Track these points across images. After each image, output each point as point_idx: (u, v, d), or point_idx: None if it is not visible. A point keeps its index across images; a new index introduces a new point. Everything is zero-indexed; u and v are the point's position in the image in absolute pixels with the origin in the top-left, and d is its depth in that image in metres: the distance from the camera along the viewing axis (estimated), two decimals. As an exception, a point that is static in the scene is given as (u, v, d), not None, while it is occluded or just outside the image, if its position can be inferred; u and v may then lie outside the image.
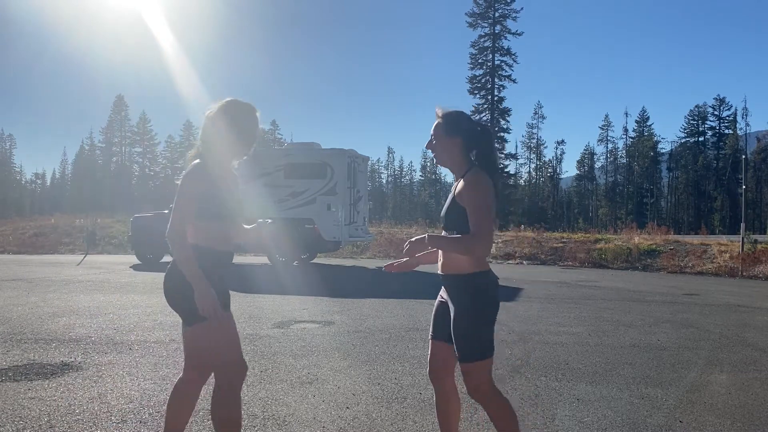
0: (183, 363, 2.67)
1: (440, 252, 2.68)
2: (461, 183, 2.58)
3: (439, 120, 2.68)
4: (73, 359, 5.14)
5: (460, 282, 2.61)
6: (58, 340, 5.92)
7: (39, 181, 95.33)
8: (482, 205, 2.49)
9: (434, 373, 2.83)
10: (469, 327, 2.57)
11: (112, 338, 6.07)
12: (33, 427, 3.51)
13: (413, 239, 2.67)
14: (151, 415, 3.74)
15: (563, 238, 19.76)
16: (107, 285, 10.70)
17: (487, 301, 2.62)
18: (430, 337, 2.83)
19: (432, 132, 2.70)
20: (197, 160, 2.64)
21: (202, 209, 2.59)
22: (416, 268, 2.96)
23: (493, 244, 19.11)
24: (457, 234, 2.57)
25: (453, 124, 2.65)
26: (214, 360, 2.61)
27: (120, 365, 4.98)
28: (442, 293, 2.76)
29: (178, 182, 2.64)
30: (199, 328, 2.55)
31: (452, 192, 2.66)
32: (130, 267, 14.44)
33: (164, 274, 2.69)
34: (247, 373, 2.79)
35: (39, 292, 9.59)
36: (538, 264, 16.99)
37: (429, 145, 2.72)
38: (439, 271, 2.72)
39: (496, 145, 55.08)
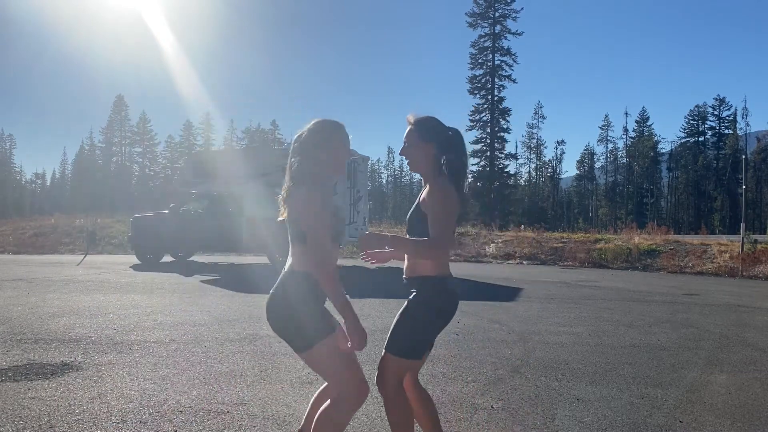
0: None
1: (406, 257, 2.70)
2: (426, 190, 2.62)
3: (412, 126, 2.70)
4: (73, 359, 5.14)
5: (419, 282, 2.63)
6: (58, 340, 5.92)
7: (39, 181, 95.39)
8: (442, 214, 2.53)
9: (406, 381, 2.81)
10: (407, 321, 2.62)
11: (112, 338, 6.07)
12: (33, 427, 3.50)
13: (372, 233, 2.66)
14: (151, 415, 3.74)
15: (563, 238, 19.77)
16: (107, 285, 10.70)
17: (436, 305, 2.62)
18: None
19: (405, 139, 2.71)
20: (305, 187, 2.54)
21: None
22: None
23: (493, 244, 19.16)
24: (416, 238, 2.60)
25: (427, 130, 2.68)
26: (336, 378, 2.56)
27: (120, 365, 4.98)
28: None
29: (295, 210, 2.56)
30: (314, 353, 2.48)
31: (418, 197, 2.70)
32: (130, 267, 14.44)
33: (267, 301, 2.55)
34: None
35: (39, 292, 9.59)
36: (538, 264, 17.00)
37: (403, 152, 2.74)
38: (404, 275, 2.73)
39: (496, 144, 54.25)
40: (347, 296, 2.45)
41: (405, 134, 2.72)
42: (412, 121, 2.72)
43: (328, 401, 2.56)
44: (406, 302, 2.66)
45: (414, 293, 2.64)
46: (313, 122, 2.64)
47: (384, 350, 2.68)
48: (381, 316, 7.62)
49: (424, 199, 2.61)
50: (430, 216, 2.54)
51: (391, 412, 2.70)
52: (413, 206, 2.71)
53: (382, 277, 13.83)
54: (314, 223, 2.45)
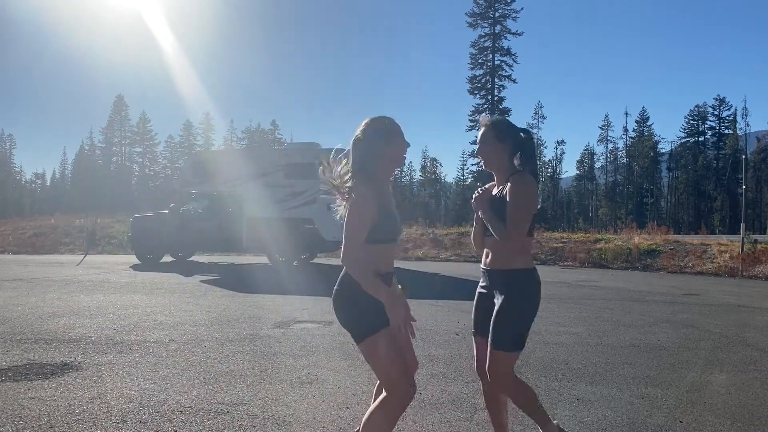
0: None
1: (490, 248, 2.87)
2: (510, 182, 2.78)
3: (487, 128, 2.90)
4: (73, 359, 5.14)
5: (509, 276, 2.79)
6: (58, 340, 5.92)
7: (39, 181, 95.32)
8: (521, 205, 2.74)
9: (481, 369, 2.92)
10: (508, 317, 2.76)
11: (112, 338, 6.07)
12: (33, 427, 3.50)
13: (487, 198, 2.84)
14: (151, 415, 3.74)
15: (563, 238, 19.77)
16: (107, 285, 10.70)
17: (530, 296, 2.81)
18: (472, 334, 2.97)
19: (480, 140, 2.92)
20: (360, 184, 2.54)
21: (372, 232, 2.52)
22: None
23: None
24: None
25: (502, 130, 2.88)
26: (384, 374, 2.54)
27: (120, 365, 4.98)
28: (484, 287, 2.92)
29: (346, 209, 2.57)
30: (366, 345, 2.52)
31: (498, 193, 2.85)
32: (130, 267, 14.44)
33: (333, 295, 2.62)
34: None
35: (39, 292, 9.59)
36: (538, 264, 16.96)
37: (479, 152, 2.92)
38: (487, 266, 2.89)
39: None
40: (378, 280, 2.47)
41: (480, 135, 2.92)
42: (487, 123, 2.92)
43: (379, 399, 2.58)
44: (498, 299, 2.79)
45: (508, 287, 2.77)
46: (369, 120, 2.65)
47: (493, 350, 2.77)
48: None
49: (508, 191, 2.78)
50: (510, 208, 2.74)
51: (520, 401, 2.88)
52: (496, 198, 2.85)
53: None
54: (348, 217, 2.51)
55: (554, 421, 2.93)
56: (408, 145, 2.68)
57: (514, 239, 2.74)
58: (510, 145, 2.87)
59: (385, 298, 2.44)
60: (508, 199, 2.75)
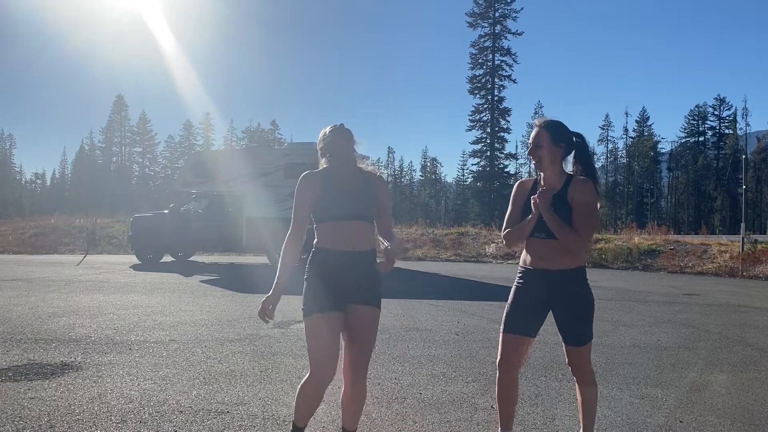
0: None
1: (539, 247, 2.90)
2: (576, 188, 2.86)
3: (542, 129, 2.94)
4: (73, 359, 5.14)
5: (576, 275, 2.90)
6: (58, 340, 5.92)
7: (39, 181, 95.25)
8: (592, 211, 2.85)
9: (508, 365, 3.00)
10: (588, 311, 2.93)
11: (112, 338, 6.07)
12: (33, 427, 3.50)
13: (546, 191, 2.85)
14: (151, 415, 3.74)
15: (563, 238, 19.75)
16: (107, 285, 10.70)
17: (590, 289, 2.96)
18: (504, 330, 2.98)
19: (534, 140, 2.95)
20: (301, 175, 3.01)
21: (319, 212, 2.93)
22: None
23: (493, 244, 19.15)
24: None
25: (557, 133, 2.94)
26: (308, 353, 2.82)
27: (120, 365, 4.98)
28: (528, 288, 2.94)
29: None
30: (304, 323, 2.85)
31: (561, 191, 2.88)
32: (130, 267, 14.44)
33: None
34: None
35: (39, 292, 9.59)
36: (538, 264, 16.99)
37: (532, 153, 2.96)
38: (535, 266, 2.92)
39: (496, 144, 54.45)
40: (284, 267, 2.97)
41: (533, 135, 2.96)
42: (542, 124, 2.97)
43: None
44: (568, 300, 2.89)
45: (577, 286, 2.89)
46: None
47: (580, 345, 2.93)
48: (381, 316, 7.62)
49: (572, 195, 2.84)
50: (580, 211, 2.81)
51: (595, 391, 3.05)
52: (550, 197, 2.86)
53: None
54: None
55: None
56: (346, 140, 2.94)
57: (582, 244, 2.84)
58: (563, 147, 2.93)
59: (275, 283, 2.84)
60: (578, 205, 2.81)
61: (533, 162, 2.99)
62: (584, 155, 2.98)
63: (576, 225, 2.79)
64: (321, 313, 2.77)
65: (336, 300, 2.82)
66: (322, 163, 3.00)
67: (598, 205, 2.91)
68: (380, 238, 2.89)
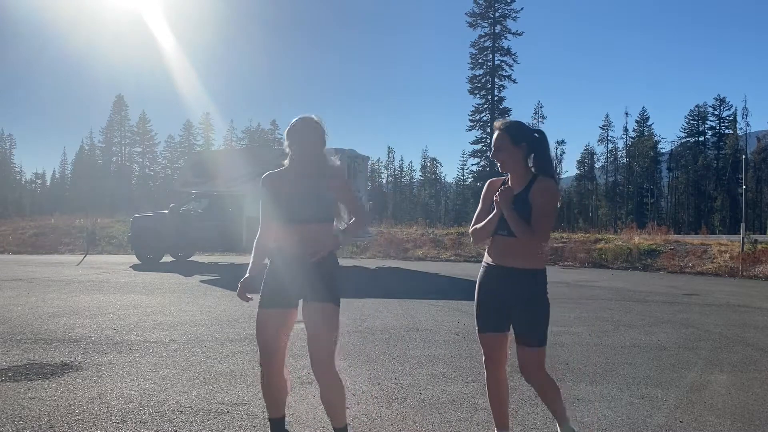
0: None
1: (502, 244, 2.93)
2: (536, 187, 2.88)
3: (502, 131, 2.97)
4: (73, 359, 5.14)
5: (531, 276, 2.90)
6: (58, 340, 5.92)
7: (39, 181, 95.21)
8: (549, 213, 2.86)
9: (496, 363, 3.02)
10: (541, 317, 2.91)
11: (112, 338, 6.07)
12: (33, 427, 3.50)
13: (510, 195, 2.87)
14: (151, 415, 3.74)
15: (563, 238, 19.76)
16: (107, 285, 10.70)
17: (547, 294, 2.95)
18: (479, 331, 3.02)
19: (495, 143, 2.99)
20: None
21: (271, 214, 3.04)
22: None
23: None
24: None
25: (517, 133, 2.96)
26: (259, 338, 2.98)
27: (120, 365, 4.98)
28: (490, 285, 2.97)
29: None
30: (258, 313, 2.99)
31: (516, 194, 2.89)
32: (130, 267, 14.43)
33: None
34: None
35: (39, 292, 9.59)
36: (538, 264, 16.98)
37: (495, 156, 3.00)
38: (497, 263, 2.94)
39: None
40: (256, 254, 3.07)
41: (494, 139, 3.00)
42: (501, 126, 3.00)
43: None
44: (524, 300, 2.88)
45: (532, 287, 2.89)
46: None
47: (531, 347, 2.90)
48: (381, 316, 7.63)
49: (533, 196, 2.86)
50: (537, 211, 2.84)
51: (551, 395, 3.00)
52: (516, 199, 2.89)
53: (381, 277, 13.83)
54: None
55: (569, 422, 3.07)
56: (304, 136, 3.03)
57: (537, 241, 2.86)
58: (524, 147, 2.95)
59: (249, 267, 3.02)
60: (535, 205, 2.84)
61: (498, 165, 3.02)
62: (542, 153, 2.99)
63: (532, 224, 2.82)
64: (263, 309, 2.95)
65: (286, 297, 2.93)
66: (285, 162, 3.13)
67: (556, 204, 2.92)
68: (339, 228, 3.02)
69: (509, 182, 3.01)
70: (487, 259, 3.03)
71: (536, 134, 3.00)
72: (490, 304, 2.98)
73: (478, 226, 3.00)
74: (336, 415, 3.01)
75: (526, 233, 2.81)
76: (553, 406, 3.03)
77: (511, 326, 2.97)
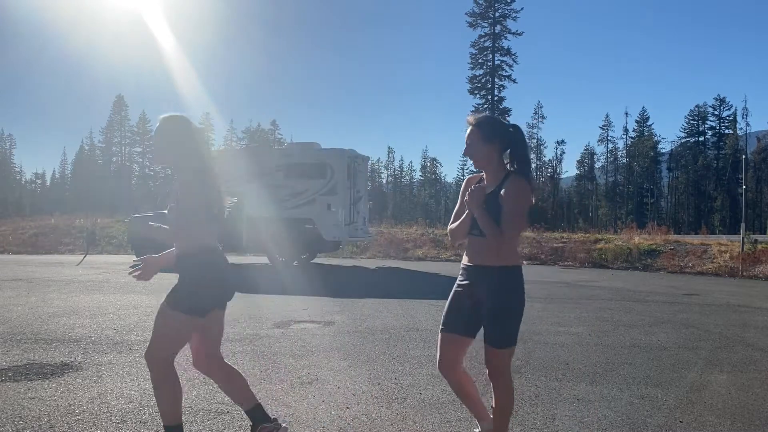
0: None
1: (476, 244, 2.86)
2: (507, 185, 2.76)
3: (474, 127, 2.84)
4: (73, 359, 5.14)
5: (500, 273, 2.79)
6: (58, 340, 5.92)
7: (39, 181, 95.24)
8: (518, 212, 2.73)
9: (447, 364, 2.93)
10: (506, 317, 2.78)
11: (112, 338, 6.06)
12: (33, 427, 3.50)
13: (482, 193, 2.78)
14: (151, 415, 3.73)
15: (563, 238, 19.77)
16: (107, 285, 10.70)
17: (521, 293, 2.83)
18: (442, 330, 2.94)
19: (467, 140, 2.86)
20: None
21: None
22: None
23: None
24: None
25: (489, 130, 2.83)
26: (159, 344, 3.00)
27: (120, 365, 4.98)
28: (464, 286, 2.89)
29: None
30: (177, 318, 3.03)
31: (489, 192, 2.80)
32: (130, 267, 14.40)
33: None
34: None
35: (39, 292, 9.59)
36: (538, 264, 17.00)
37: (466, 152, 2.88)
38: (472, 262, 2.87)
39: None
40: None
41: (466, 135, 2.86)
42: (472, 122, 2.86)
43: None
44: (490, 298, 2.78)
45: (500, 285, 2.78)
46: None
47: (495, 347, 2.80)
48: (381, 316, 7.63)
49: (503, 195, 2.76)
50: (507, 209, 2.73)
51: (509, 400, 2.90)
52: (488, 197, 2.81)
53: (381, 277, 13.83)
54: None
55: None
56: (158, 138, 3.02)
57: (507, 241, 2.75)
58: (497, 143, 2.83)
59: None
60: (504, 203, 2.73)
61: (470, 161, 2.93)
62: (518, 149, 2.86)
63: (501, 224, 2.73)
64: (196, 317, 3.03)
65: None
66: None
67: (528, 203, 2.78)
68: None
69: (485, 180, 2.91)
70: (463, 259, 2.96)
71: (511, 129, 2.87)
72: (460, 303, 2.89)
73: (454, 225, 2.95)
74: (243, 400, 3.08)
75: (494, 233, 2.73)
76: (501, 421, 2.89)
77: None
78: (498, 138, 2.82)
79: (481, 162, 2.86)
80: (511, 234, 2.75)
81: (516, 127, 2.88)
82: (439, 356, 2.94)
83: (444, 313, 2.96)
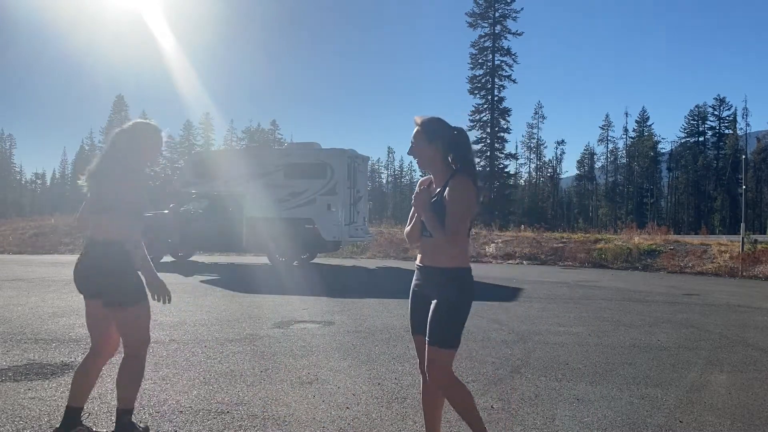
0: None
1: (427, 245, 2.88)
2: (449, 186, 2.78)
3: (418, 128, 2.87)
4: (73, 359, 5.14)
5: (447, 274, 2.81)
6: (58, 340, 5.92)
7: (39, 181, 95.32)
8: (460, 211, 2.74)
9: (424, 367, 2.94)
10: (451, 313, 2.78)
11: (112, 338, 6.06)
12: (33, 427, 3.51)
13: (426, 196, 2.83)
14: (151, 415, 3.74)
15: (563, 238, 19.76)
16: (107, 285, 10.68)
17: (467, 296, 2.83)
18: (412, 332, 3.01)
19: (412, 140, 2.90)
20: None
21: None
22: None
23: (493, 245, 19.15)
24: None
25: (432, 131, 2.85)
26: (144, 335, 3.24)
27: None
28: (418, 286, 2.94)
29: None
30: (140, 308, 3.19)
31: (436, 195, 2.84)
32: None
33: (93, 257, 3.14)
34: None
35: (39, 292, 9.59)
36: (538, 264, 17.00)
37: (410, 152, 2.92)
38: (423, 264, 2.90)
39: (496, 144, 54.11)
40: (147, 256, 3.14)
41: (412, 135, 2.90)
42: (418, 122, 2.89)
43: (124, 356, 3.19)
44: (435, 299, 2.80)
45: (446, 285, 2.79)
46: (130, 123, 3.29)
47: (432, 346, 2.79)
48: (381, 316, 7.63)
49: (446, 195, 2.77)
50: (449, 209, 2.74)
51: (455, 400, 2.89)
52: (433, 197, 2.84)
53: (380, 277, 13.83)
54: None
55: None
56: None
57: (452, 241, 2.75)
58: (439, 144, 2.84)
59: (150, 272, 3.15)
60: (447, 202, 2.75)
61: (416, 161, 2.94)
62: (461, 151, 2.87)
63: (445, 223, 2.74)
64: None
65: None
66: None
67: (471, 201, 2.76)
68: None
69: (433, 181, 2.93)
70: (416, 259, 2.98)
71: (455, 131, 2.87)
72: (417, 306, 2.92)
73: (408, 228, 2.99)
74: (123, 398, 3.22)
75: (440, 234, 2.74)
76: (465, 416, 2.89)
77: None
78: (439, 139, 2.83)
79: (424, 161, 2.89)
80: (455, 232, 2.73)
81: (460, 130, 2.89)
82: (419, 358, 2.98)
83: (409, 315, 3.01)
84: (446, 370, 2.82)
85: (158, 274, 3.25)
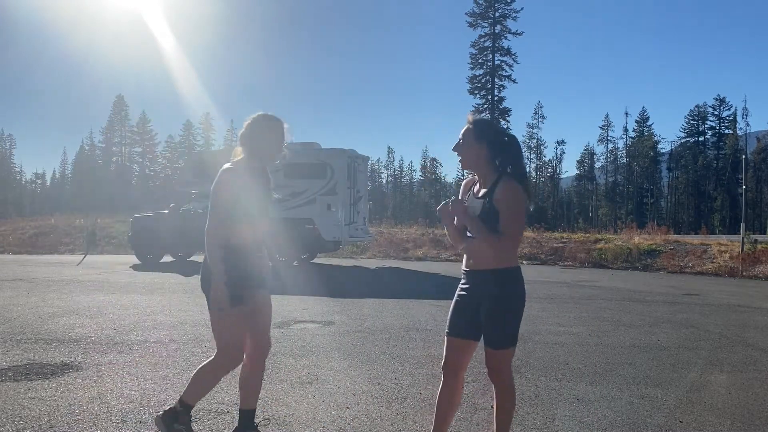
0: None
1: (472, 249, 2.85)
2: (500, 189, 2.76)
3: (469, 126, 2.85)
4: (73, 359, 5.14)
5: (502, 276, 2.79)
6: (58, 340, 5.92)
7: (39, 181, 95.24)
8: (516, 212, 2.74)
9: (451, 368, 2.93)
10: (510, 313, 2.80)
11: (112, 338, 6.06)
12: (33, 427, 3.50)
13: (462, 205, 2.82)
14: (151, 415, 3.73)
15: (563, 238, 19.77)
16: (107, 285, 10.70)
17: (520, 294, 2.84)
18: (447, 333, 2.95)
19: (461, 136, 2.86)
20: (227, 165, 3.20)
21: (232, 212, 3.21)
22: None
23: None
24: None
25: (481, 130, 2.83)
26: (219, 341, 3.26)
27: (120, 365, 4.98)
28: (465, 290, 2.90)
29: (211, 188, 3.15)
30: (212, 313, 3.21)
31: (482, 196, 2.81)
32: (130, 267, 14.43)
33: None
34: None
35: (39, 292, 9.59)
36: (538, 264, 17.00)
37: (455, 148, 2.87)
38: (469, 267, 2.88)
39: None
40: (221, 259, 3.20)
41: (462, 132, 2.87)
42: (470, 120, 2.86)
43: (209, 361, 3.30)
44: (488, 301, 2.79)
45: (500, 286, 2.78)
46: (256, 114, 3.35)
47: (493, 348, 2.80)
48: (381, 316, 7.63)
49: (497, 198, 2.75)
50: (504, 213, 2.72)
51: (510, 402, 2.91)
52: (476, 204, 2.82)
53: (381, 277, 13.83)
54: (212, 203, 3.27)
55: None
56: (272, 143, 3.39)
57: (509, 244, 2.75)
58: (486, 146, 2.80)
59: (215, 281, 3.17)
60: (500, 208, 2.72)
61: (458, 159, 2.90)
62: (512, 158, 2.84)
63: (501, 227, 2.71)
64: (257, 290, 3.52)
65: None
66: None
67: (522, 205, 2.76)
68: None
69: (478, 182, 2.90)
70: (463, 263, 2.96)
71: (506, 138, 2.86)
72: (461, 307, 2.90)
73: (448, 233, 2.98)
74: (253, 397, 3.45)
75: (487, 238, 2.72)
76: (503, 421, 2.89)
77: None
78: (486, 139, 2.80)
79: (467, 160, 2.85)
80: (511, 240, 2.75)
81: (512, 137, 2.87)
82: (445, 358, 2.95)
83: (449, 316, 2.97)
84: (508, 372, 2.85)
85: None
